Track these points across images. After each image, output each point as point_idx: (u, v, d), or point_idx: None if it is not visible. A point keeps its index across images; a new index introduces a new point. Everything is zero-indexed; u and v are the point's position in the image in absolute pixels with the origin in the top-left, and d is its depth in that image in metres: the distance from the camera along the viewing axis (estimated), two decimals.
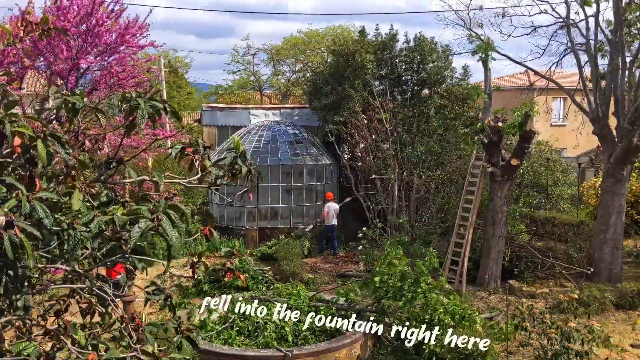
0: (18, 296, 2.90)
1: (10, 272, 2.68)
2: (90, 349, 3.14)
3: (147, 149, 13.01)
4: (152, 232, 2.86)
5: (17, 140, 2.70)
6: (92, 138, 3.19)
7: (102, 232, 2.91)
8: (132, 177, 3.30)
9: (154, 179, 3.14)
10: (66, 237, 2.82)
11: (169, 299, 3.52)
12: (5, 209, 2.52)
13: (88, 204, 3.03)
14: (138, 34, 13.75)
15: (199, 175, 3.41)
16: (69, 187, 2.94)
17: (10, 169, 2.85)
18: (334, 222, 17.76)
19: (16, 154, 2.78)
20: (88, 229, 2.86)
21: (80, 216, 2.88)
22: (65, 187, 2.98)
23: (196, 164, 3.36)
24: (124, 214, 2.93)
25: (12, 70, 11.71)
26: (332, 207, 17.80)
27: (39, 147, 2.70)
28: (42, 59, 12.88)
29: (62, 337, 3.07)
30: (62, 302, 3.61)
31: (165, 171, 3.29)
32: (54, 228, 2.82)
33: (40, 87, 13.85)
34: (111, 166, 3.32)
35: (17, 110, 2.93)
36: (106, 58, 13.77)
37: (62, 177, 3.04)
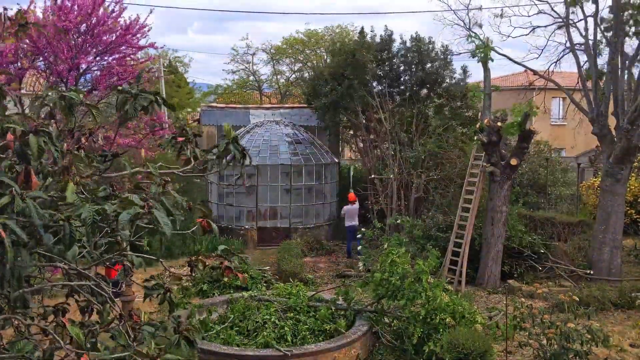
0: (16, 294, 2.90)
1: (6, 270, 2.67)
2: (88, 347, 3.14)
3: (145, 147, 13.02)
4: (144, 218, 2.85)
5: (10, 136, 2.70)
6: (86, 133, 3.19)
7: (95, 223, 2.90)
8: (127, 170, 3.30)
9: (148, 169, 3.14)
10: (62, 233, 2.81)
11: (168, 293, 3.51)
12: None
13: (82, 196, 3.03)
14: (139, 34, 13.76)
15: (192, 164, 3.43)
16: (65, 181, 2.94)
17: (4, 166, 2.85)
18: (353, 222, 17.70)
19: (9, 149, 2.78)
20: (82, 222, 2.86)
21: (74, 207, 2.87)
22: (62, 184, 2.98)
23: (188, 152, 3.38)
24: (116, 204, 2.94)
25: (11, 70, 11.71)
26: (349, 208, 17.85)
27: (31, 140, 2.70)
28: (41, 58, 12.88)
29: (56, 338, 3.06)
30: (60, 307, 3.61)
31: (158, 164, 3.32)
32: (51, 224, 2.81)
33: (39, 86, 13.85)
34: (106, 160, 3.33)
35: (15, 109, 2.93)
36: (106, 58, 13.77)
37: (59, 174, 3.04)
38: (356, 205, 17.97)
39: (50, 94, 2.97)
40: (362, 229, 15.72)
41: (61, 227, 2.81)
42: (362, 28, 20.87)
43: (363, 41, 19.88)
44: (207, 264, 3.64)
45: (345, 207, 18.00)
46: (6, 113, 2.93)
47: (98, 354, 3.06)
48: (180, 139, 3.37)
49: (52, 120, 3.03)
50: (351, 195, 18.13)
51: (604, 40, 14.75)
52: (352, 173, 20.92)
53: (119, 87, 3.14)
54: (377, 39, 19.63)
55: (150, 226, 2.94)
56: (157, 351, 3.05)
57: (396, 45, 19.63)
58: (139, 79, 3.26)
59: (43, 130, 2.75)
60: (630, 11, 14.01)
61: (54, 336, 2.94)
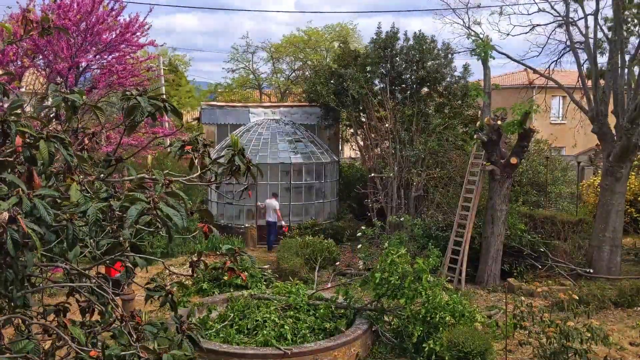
0: (18, 294, 2.90)
1: (10, 270, 2.68)
2: (90, 347, 3.15)
3: (146, 147, 13.03)
4: (150, 215, 2.84)
5: (18, 140, 2.70)
6: (90, 135, 3.19)
7: (99, 221, 2.90)
8: (131, 174, 3.30)
9: (154, 176, 3.13)
10: (65, 233, 2.81)
11: (170, 295, 3.52)
12: (7, 206, 2.52)
13: (87, 195, 3.03)
14: (138, 32, 13.76)
15: (198, 173, 3.40)
16: (68, 183, 2.95)
17: (10, 167, 2.85)
18: (270, 219, 18.07)
19: (17, 153, 2.78)
20: (86, 221, 2.86)
21: (78, 207, 2.87)
22: (65, 185, 2.99)
23: (196, 161, 3.35)
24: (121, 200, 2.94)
25: (11, 69, 11.72)
26: (268, 203, 18.14)
27: (41, 146, 2.70)
28: (41, 57, 12.88)
29: (62, 334, 3.07)
30: (61, 306, 3.61)
31: (164, 169, 3.29)
32: (54, 224, 2.81)
33: (39, 85, 13.85)
34: (110, 164, 3.32)
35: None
36: (105, 56, 13.77)
37: (61, 175, 3.04)
38: (273, 201, 18.13)
39: (53, 96, 2.97)
40: (362, 227, 15.74)
41: (64, 227, 2.81)
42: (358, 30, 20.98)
43: (365, 47, 20.07)
44: (208, 264, 3.64)
45: (267, 201, 18.30)
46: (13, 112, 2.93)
47: (105, 351, 3.06)
48: (187, 147, 3.36)
49: (56, 122, 3.03)
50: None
51: (604, 39, 14.75)
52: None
53: (127, 92, 3.14)
54: (382, 36, 19.64)
55: (150, 229, 2.94)
56: (159, 349, 3.05)
57: (400, 43, 19.64)
58: (148, 91, 3.24)
59: (55, 136, 2.76)
60: (630, 11, 14.01)
61: (59, 333, 2.94)
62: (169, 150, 3.48)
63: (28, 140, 2.75)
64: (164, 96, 3.43)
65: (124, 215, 2.85)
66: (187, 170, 3.53)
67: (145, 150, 12.84)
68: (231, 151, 3.40)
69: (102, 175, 3.24)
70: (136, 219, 2.79)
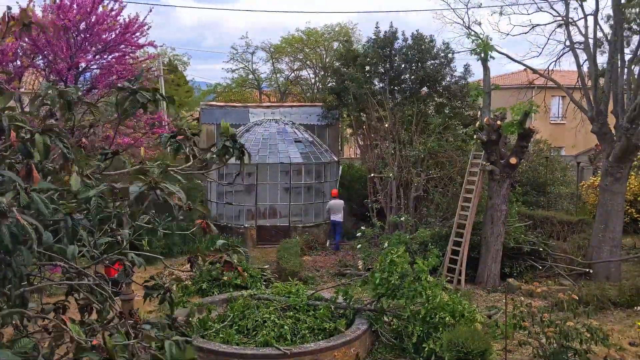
0: (16, 292, 2.90)
1: (9, 268, 2.67)
2: (89, 344, 3.13)
3: (144, 146, 13.01)
4: (151, 193, 2.86)
5: (13, 135, 2.70)
6: (86, 131, 3.19)
7: (101, 207, 2.90)
8: (126, 167, 3.31)
9: (147, 168, 3.14)
10: (63, 229, 2.81)
11: (168, 293, 3.52)
12: (4, 201, 2.51)
13: (88, 182, 3.04)
14: (138, 32, 13.75)
15: (191, 162, 3.45)
16: (67, 174, 2.95)
17: (7, 162, 2.85)
18: (336, 218, 18.49)
19: (13, 148, 2.78)
20: (86, 213, 2.86)
21: (77, 202, 2.88)
22: (62, 180, 2.99)
23: (187, 150, 3.40)
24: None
25: (10, 69, 11.71)
26: (333, 203, 18.57)
27: (37, 139, 2.70)
28: (41, 57, 12.87)
29: (58, 334, 3.07)
30: (60, 304, 3.61)
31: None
32: (53, 218, 2.81)
33: (39, 85, 13.84)
34: (107, 157, 3.33)
35: (14, 104, 2.94)
36: (105, 56, 13.76)
37: (59, 172, 3.04)
38: (338, 200, 18.71)
39: (49, 92, 2.96)
40: (362, 228, 15.77)
41: (61, 226, 2.80)
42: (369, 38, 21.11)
43: (366, 48, 20.08)
44: (207, 259, 3.65)
45: (330, 202, 18.78)
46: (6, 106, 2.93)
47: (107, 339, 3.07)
48: (179, 137, 3.39)
49: (52, 120, 3.02)
50: (334, 190, 19.18)
51: (604, 39, 14.74)
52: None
53: (119, 85, 3.15)
54: (381, 35, 19.66)
55: (149, 226, 2.94)
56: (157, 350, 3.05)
57: (398, 42, 19.65)
58: (139, 78, 3.25)
59: (50, 130, 2.75)
60: (631, 10, 13.99)
61: (58, 330, 2.94)
62: (164, 142, 3.51)
63: (23, 135, 2.74)
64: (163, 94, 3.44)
65: (126, 199, 2.87)
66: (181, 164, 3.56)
67: (142, 146, 12.84)
68: (224, 137, 3.45)
69: (99, 170, 3.24)
70: (138, 194, 2.80)
